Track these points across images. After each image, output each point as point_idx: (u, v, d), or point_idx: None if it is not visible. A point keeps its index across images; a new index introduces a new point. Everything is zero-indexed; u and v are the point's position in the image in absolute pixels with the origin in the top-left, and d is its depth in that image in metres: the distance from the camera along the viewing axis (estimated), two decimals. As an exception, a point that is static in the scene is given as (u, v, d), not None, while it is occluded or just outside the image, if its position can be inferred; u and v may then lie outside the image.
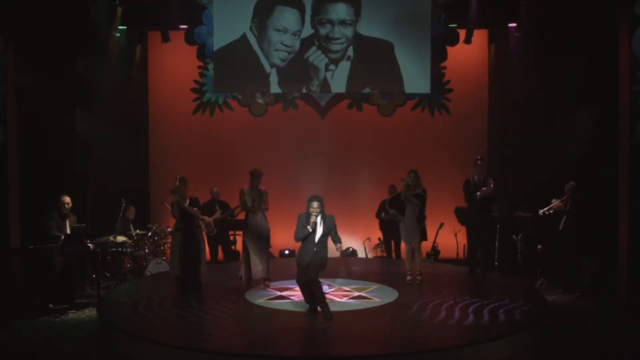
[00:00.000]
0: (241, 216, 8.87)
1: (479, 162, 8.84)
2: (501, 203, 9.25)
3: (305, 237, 7.11)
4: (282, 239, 11.15)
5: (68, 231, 8.42)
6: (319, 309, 7.19)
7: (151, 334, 6.47)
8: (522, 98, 10.95)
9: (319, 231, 7.10)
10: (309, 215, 7.11)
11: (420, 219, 8.60)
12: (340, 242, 7.19)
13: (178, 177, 8.30)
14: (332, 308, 7.32)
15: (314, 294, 7.18)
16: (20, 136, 8.28)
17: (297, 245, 7.36)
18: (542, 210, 9.12)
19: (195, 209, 8.18)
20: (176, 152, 11.96)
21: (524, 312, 7.19)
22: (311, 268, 7.11)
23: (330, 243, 7.29)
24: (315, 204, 7.04)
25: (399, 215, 8.72)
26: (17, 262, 8.11)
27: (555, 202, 9.05)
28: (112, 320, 6.99)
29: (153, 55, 12.00)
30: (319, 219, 7.05)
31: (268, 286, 8.48)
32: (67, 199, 8.50)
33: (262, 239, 8.50)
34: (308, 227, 7.04)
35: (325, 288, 8.23)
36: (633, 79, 7.79)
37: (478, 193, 8.58)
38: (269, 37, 11.20)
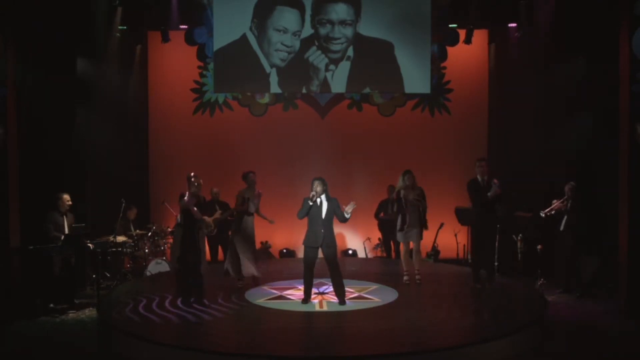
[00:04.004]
0: None
1: (478, 163, 8.68)
2: (505, 203, 9.16)
3: (307, 214, 7.47)
4: (282, 238, 11.15)
5: (67, 230, 8.41)
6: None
7: (151, 334, 6.48)
8: (522, 98, 10.96)
9: (324, 210, 7.45)
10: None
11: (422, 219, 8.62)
12: (348, 214, 7.41)
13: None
14: (332, 308, 7.36)
15: (312, 280, 7.58)
16: (20, 136, 8.27)
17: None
18: (543, 212, 9.11)
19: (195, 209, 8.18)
20: (176, 152, 11.95)
21: (524, 312, 7.19)
22: (328, 249, 7.50)
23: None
24: (315, 183, 7.48)
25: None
26: (17, 262, 8.10)
27: (556, 203, 9.04)
28: (112, 320, 6.99)
29: (153, 55, 12.00)
30: (319, 192, 7.40)
31: (259, 279, 8.59)
32: (67, 197, 8.50)
33: (251, 240, 8.63)
34: (309, 200, 7.43)
35: (325, 288, 8.26)
36: (633, 80, 7.77)
37: (489, 193, 8.32)
38: (269, 37, 11.19)
